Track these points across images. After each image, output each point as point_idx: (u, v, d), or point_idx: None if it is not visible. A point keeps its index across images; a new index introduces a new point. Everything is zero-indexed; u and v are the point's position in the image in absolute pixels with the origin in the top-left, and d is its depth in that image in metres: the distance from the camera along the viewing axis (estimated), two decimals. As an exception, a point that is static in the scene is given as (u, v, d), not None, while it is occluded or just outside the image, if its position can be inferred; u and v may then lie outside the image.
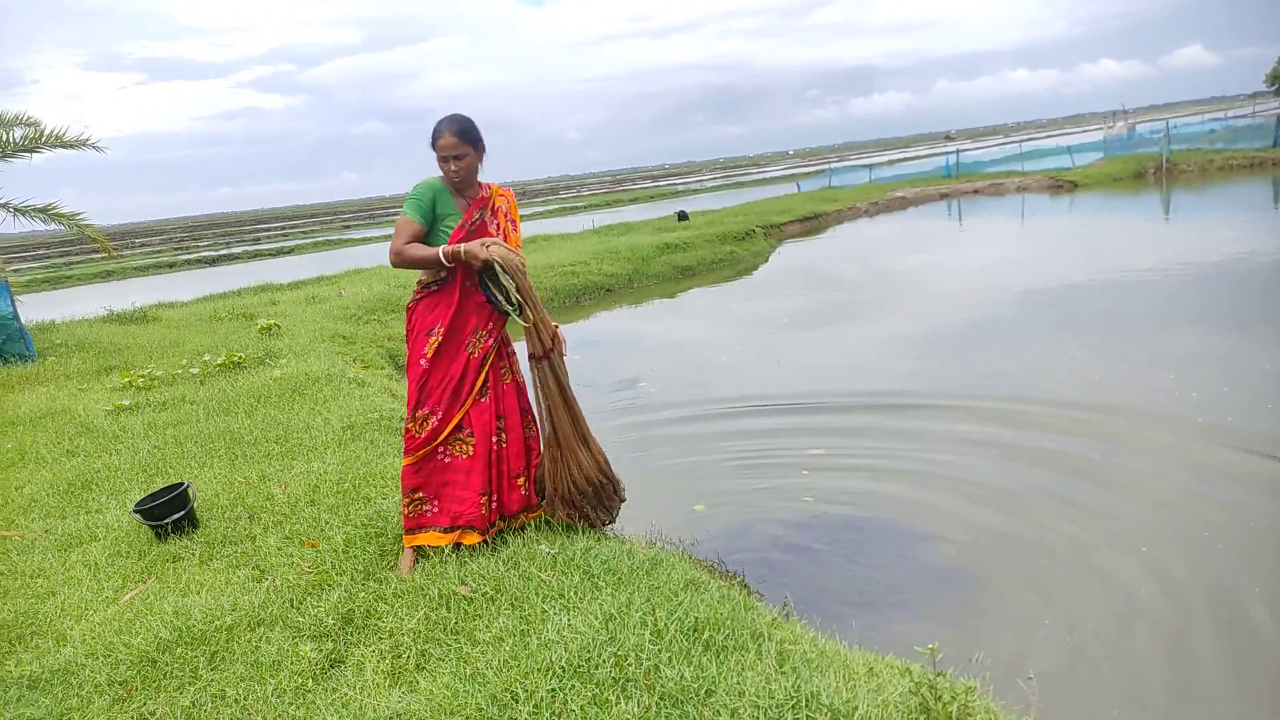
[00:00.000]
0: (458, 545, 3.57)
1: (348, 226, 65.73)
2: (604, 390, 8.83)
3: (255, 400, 7.39)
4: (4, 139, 12.63)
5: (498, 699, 2.62)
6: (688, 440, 7.16)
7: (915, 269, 15.71)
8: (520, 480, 3.71)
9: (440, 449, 3.54)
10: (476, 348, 3.53)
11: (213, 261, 40.71)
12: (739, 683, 2.54)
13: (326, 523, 4.31)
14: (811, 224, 25.33)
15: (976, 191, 30.66)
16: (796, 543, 5.09)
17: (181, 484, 4.63)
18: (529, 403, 3.73)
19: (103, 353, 10.52)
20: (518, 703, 2.57)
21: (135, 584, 4.07)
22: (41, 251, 61.42)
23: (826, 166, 48.83)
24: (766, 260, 19.59)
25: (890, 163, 47.15)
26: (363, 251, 32.42)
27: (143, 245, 62.68)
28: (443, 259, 3.35)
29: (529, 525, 3.81)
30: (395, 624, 3.23)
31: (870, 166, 40.28)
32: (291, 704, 2.86)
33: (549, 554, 3.53)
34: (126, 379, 8.68)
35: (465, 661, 2.91)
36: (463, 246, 3.35)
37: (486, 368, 3.55)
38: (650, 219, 28.19)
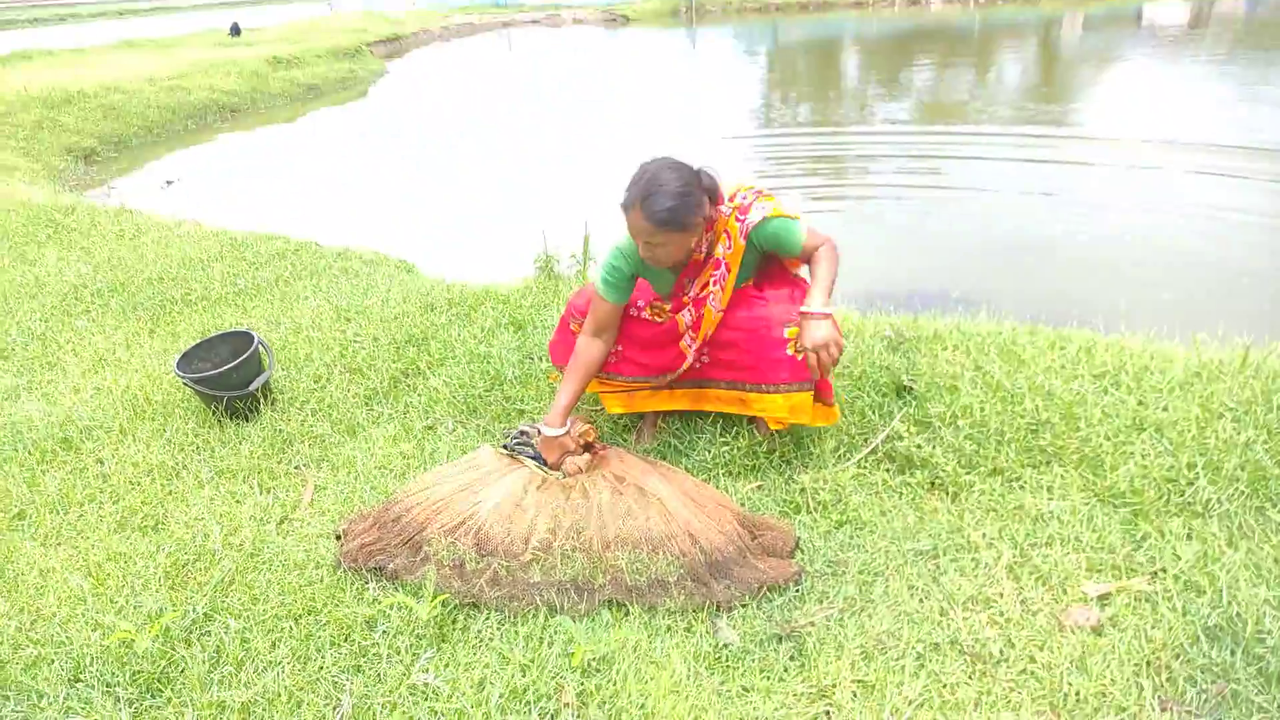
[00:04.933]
0: None
1: None
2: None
3: None
4: None
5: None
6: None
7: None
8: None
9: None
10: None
11: None
12: None
13: (485, 357, 3.22)
14: (395, 45, 23.42)
15: (535, 22, 30.79)
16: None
17: (248, 335, 3.03)
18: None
19: None
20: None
21: (272, 482, 2.67)
22: None
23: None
24: (384, 76, 17.77)
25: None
26: None
27: None
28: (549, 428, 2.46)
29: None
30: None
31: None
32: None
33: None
34: None
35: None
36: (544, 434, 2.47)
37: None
38: (183, 34, 23.45)
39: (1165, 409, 2.46)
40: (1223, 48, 13.93)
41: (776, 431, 2.58)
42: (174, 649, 1.94)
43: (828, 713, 1.72)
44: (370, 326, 3.50)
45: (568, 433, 2.44)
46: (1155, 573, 1.98)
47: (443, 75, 19.37)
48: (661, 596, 2.08)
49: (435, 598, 1.98)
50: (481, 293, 3.70)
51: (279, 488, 2.63)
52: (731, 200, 2.33)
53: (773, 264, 2.54)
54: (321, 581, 2.18)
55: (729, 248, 2.33)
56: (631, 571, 2.14)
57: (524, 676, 1.81)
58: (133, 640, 1.91)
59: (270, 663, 1.91)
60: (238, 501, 2.55)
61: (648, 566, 2.14)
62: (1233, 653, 1.73)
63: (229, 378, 2.85)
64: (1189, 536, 2.07)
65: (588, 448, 2.49)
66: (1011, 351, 2.86)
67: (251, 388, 2.89)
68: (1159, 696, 1.67)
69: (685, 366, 2.47)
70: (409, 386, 3.14)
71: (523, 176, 8.57)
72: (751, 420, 2.64)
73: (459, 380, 3.06)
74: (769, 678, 1.82)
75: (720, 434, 2.63)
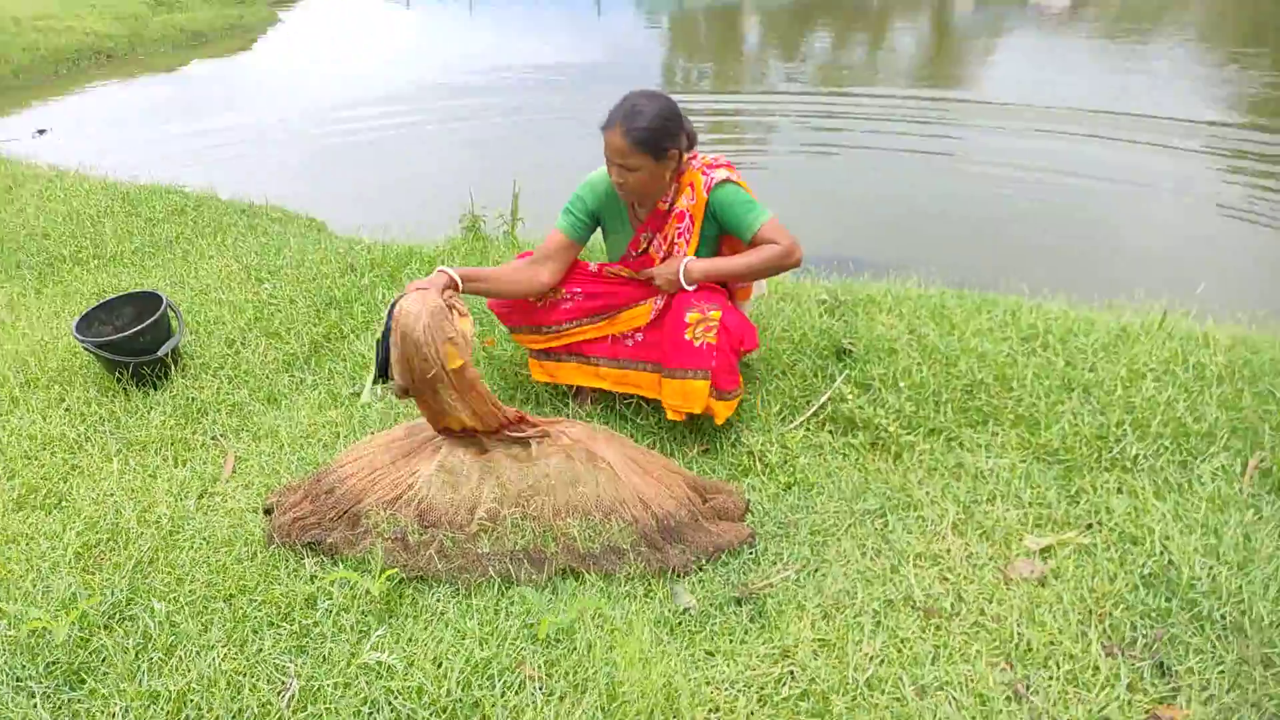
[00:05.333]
0: None
1: None
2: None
3: None
4: None
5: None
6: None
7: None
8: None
9: None
10: None
11: None
12: None
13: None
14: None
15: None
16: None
17: (156, 295, 2.84)
18: None
19: None
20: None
21: (187, 453, 2.53)
22: None
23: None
24: (275, 24, 16.89)
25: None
26: None
27: None
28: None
29: None
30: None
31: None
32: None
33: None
34: None
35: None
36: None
37: None
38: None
39: (1092, 370, 2.55)
40: (1102, 26, 14.66)
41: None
42: (94, 636, 1.79)
43: (791, 673, 1.73)
44: (286, 287, 3.32)
45: (444, 290, 2.15)
46: (1091, 525, 2.05)
47: (342, 26, 18.51)
48: (616, 563, 2.05)
49: (384, 572, 1.89)
50: (405, 252, 3.56)
51: (195, 460, 2.48)
52: (702, 159, 2.35)
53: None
54: (253, 559, 2.06)
55: (692, 200, 2.32)
56: (584, 539, 2.09)
57: (484, 650, 1.74)
58: (47, 629, 1.76)
59: (203, 646, 1.79)
60: (151, 475, 2.39)
61: (600, 533, 2.10)
62: (1168, 599, 1.80)
63: (136, 342, 2.65)
64: (1120, 490, 2.15)
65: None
66: (943, 315, 2.92)
67: (161, 352, 2.70)
68: (1103, 643, 1.73)
69: (652, 305, 2.44)
70: (332, 351, 2.99)
71: (431, 135, 8.28)
72: None
73: (387, 345, 2.93)
74: (732, 640, 1.82)
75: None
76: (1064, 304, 3.06)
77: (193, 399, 2.71)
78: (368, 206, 5.57)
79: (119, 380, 2.71)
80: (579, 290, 2.48)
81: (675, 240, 2.38)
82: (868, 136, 7.50)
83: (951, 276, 3.47)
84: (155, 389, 2.74)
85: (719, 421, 2.40)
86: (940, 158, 6.82)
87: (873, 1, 18.89)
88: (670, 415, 2.38)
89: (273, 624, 1.86)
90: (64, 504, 2.27)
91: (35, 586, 1.95)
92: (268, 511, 2.22)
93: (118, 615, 1.88)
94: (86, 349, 2.63)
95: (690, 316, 2.28)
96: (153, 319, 2.67)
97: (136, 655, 1.76)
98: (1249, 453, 2.20)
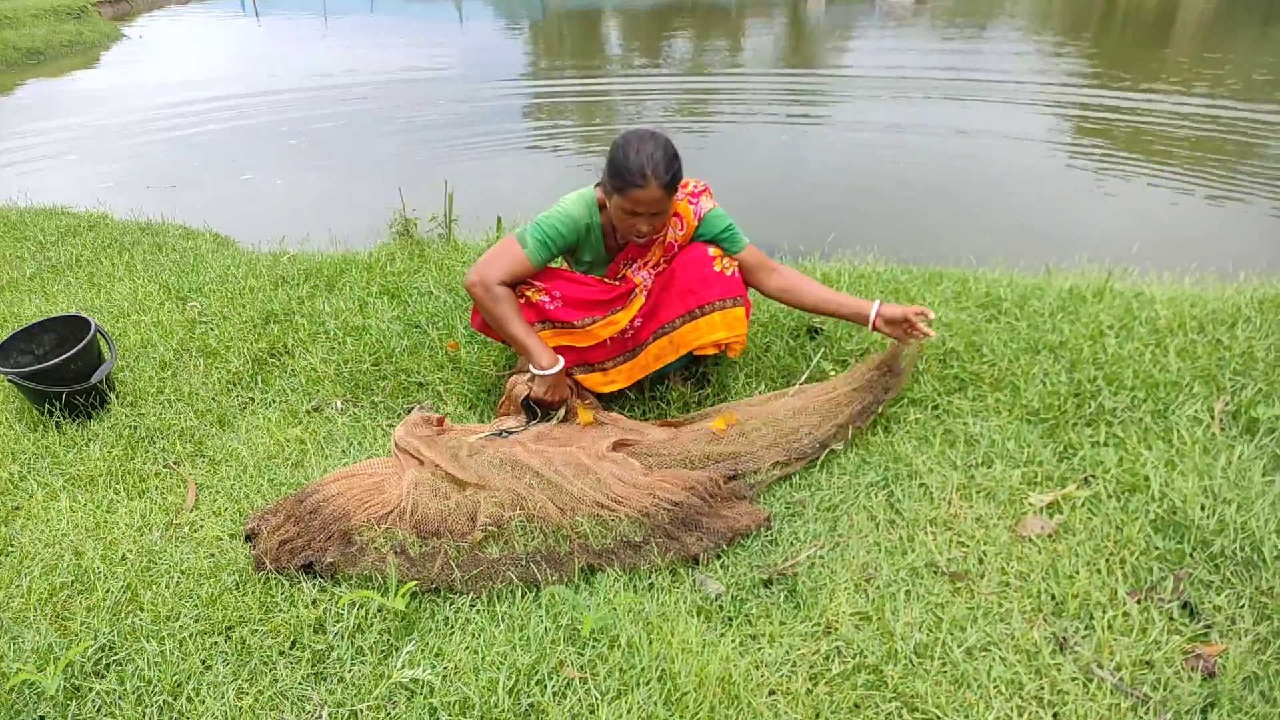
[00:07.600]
0: None
1: None
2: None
3: None
4: None
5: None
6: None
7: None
8: None
9: None
10: None
11: None
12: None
13: (364, 330, 2.96)
14: (123, 6, 21.05)
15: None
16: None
17: (81, 319, 2.61)
18: None
19: None
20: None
21: (141, 484, 2.35)
22: None
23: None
24: (119, 40, 15.94)
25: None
26: None
27: None
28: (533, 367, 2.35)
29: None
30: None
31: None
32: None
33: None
34: None
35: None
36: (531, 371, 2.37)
37: None
38: None
39: (1053, 330, 2.65)
40: (943, 20, 15.70)
41: (706, 362, 2.60)
42: (86, 686, 1.61)
43: (839, 649, 1.71)
44: (216, 304, 3.11)
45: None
46: (1089, 478, 2.12)
47: (194, 40, 17.60)
48: (635, 557, 1.99)
49: (403, 587, 1.78)
50: (340, 261, 3.38)
51: (152, 490, 2.28)
52: (684, 187, 2.33)
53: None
54: (241, 588, 1.91)
55: (681, 229, 2.34)
56: (596, 536, 2.03)
57: (524, 655, 1.66)
58: (34, 683, 1.57)
59: (211, 684, 1.64)
60: (107, 510, 2.18)
61: (612, 529, 2.04)
62: (1179, 542, 1.88)
63: (66, 369, 2.42)
64: (1106, 444, 2.24)
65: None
66: (899, 289, 2.98)
67: (95, 379, 2.46)
68: (1129, 590, 1.79)
69: (638, 295, 2.41)
70: (279, 367, 2.81)
71: (325, 147, 7.95)
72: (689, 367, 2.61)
73: (341, 356, 2.78)
74: (771, 622, 1.79)
75: (650, 388, 2.56)
76: (1001, 270, 3.18)
77: (135, 427, 2.49)
78: (268, 220, 5.29)
79: (49, 412, 2.47)
80: (558, 294, 2.41)
81: (658, 264, 2.43)
82: (740, 115, 8.02)
83: (873, 247, 3.58)
84: (90, 419, 2.51)
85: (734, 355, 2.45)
86: (819, 129, 7.30)
87: (730, 4, 19.41)
88: (710, 350, 2.38)
89: (282, 653, 1.72)
90: (12, 549, 2.04)
91: (2, 640, 1.74)
92: (248, 538, 2.06)
93: (105, 661, 1.69)
94: (11, 380, 2.38)
95: (713, 251, 2.33)
96: (83, 344, 2.43)
97: (139, 700, 1.59)
98: (1215, 398, 2.32)
